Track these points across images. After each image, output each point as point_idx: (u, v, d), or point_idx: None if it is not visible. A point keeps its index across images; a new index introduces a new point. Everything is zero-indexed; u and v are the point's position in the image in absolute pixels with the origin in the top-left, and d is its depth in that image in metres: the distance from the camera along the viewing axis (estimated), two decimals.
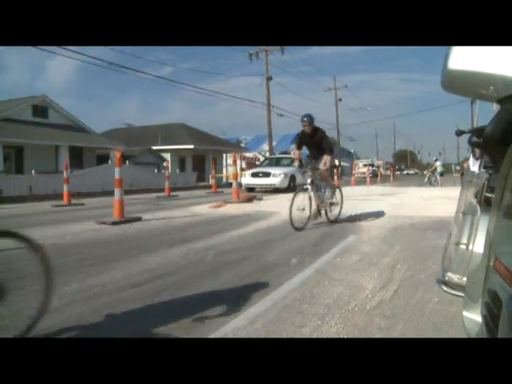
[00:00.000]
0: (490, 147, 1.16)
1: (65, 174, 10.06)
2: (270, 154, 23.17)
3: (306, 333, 2.10)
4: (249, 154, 28.01)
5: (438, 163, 22.71)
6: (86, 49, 24.25)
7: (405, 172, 70.20)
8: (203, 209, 8.55)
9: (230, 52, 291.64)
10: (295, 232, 5.27)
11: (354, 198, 11.28)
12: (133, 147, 24.24)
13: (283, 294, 2.73)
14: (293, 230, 5.29)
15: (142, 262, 3.61)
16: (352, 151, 56.64)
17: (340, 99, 37.54)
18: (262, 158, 24.72)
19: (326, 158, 5.68)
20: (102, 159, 21.56)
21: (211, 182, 17.43)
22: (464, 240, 1.44)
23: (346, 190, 16.50)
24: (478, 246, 1.33)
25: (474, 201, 1.53)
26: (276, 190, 14.37)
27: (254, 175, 15.17)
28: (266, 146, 29.68)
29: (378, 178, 27.40)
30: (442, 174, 21.84)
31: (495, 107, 1.21)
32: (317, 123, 6.00)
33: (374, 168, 44.45)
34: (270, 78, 24.06)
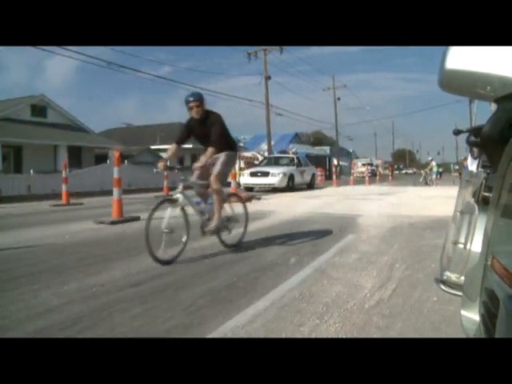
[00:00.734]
0: (487, 146, 1.17)
1: (63, 174, 10.03)
2: (269, 154, 23.14)
3: (305, 332, 2.10)
4: (247, 154, 27.92)
5: (433, 163, 22.80)
6: (85, 48, 24.19)
7: (403, 171, 70.27)
8: None
9: (229, 51, 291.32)
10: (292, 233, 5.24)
11: (353, 198, 11.31)
12: (131, 147, 24.22)
13: (282, 294, 2.74)
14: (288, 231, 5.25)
15: (141, 262, 3.61)
16: (351, 150, 56.65)
17: (339, 98, 37.51)
18: (260, 158, 24.66)
19: (209, 151, 3.88)
20: (101, 159, 21.53)
21: None
22: (462, 239, 1.44)
23: (345, 189, 16.61)
24: (476, 245, 1.33)
25: (472, 200, 1.54)
26: (275, 190, 14.39)
27: (253, 175, 15.15)
28: (264, 146, 29.64)
29: (377, 178, 27.44)
30: (440, 174, 21.90)
31: (493, 106, 1.21)
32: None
33: (373, 167, 44.42)
34: (268, 78, 24.03)
